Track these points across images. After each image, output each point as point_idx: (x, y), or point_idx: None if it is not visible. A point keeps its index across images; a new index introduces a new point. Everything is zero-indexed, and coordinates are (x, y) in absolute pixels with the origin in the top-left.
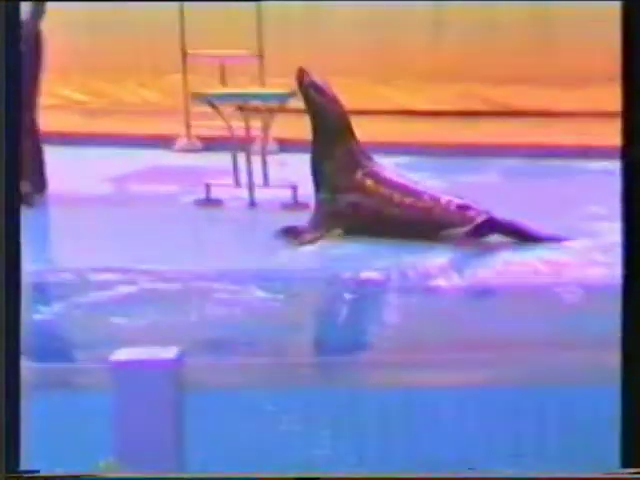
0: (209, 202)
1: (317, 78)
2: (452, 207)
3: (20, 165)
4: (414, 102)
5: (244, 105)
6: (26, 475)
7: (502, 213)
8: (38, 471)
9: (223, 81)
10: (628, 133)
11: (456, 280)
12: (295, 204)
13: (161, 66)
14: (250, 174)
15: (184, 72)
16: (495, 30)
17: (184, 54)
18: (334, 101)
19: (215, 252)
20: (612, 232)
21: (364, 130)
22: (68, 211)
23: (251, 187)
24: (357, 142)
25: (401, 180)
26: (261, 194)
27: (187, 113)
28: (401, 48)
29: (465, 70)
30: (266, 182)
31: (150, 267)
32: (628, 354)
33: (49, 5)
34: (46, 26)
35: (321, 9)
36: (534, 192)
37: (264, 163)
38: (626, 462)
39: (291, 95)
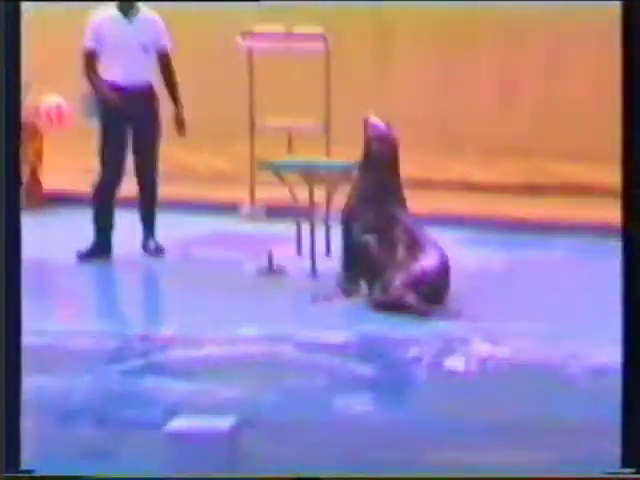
0: (271, 270)
1: (382, 127)
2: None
3: (20, 169)
4: (480, 175)
5: (309, 174)
6: (25, 475)
7: (565, 291)
8: (36, 471)
9: (289, 149)
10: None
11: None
12: None
13: (229, 134)
14: (313, 243)
15: (251, 140)
16: (564, 106)
17: (252, 123)
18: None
19: (276, 319)
20: None
21: (429, 202)
22: (134, 273)
23: (313, 256)
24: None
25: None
26: (323, 263)
27: (252, 180)
28: (468, 120)
29: (533, 145)
30: (328, 251)
31: (211, 333)
32: (629, 354)
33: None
34: None
35: (390, 79)
36: (597, 271)
37: (327, 232)
38: (626, 462)
39: (356, 165)
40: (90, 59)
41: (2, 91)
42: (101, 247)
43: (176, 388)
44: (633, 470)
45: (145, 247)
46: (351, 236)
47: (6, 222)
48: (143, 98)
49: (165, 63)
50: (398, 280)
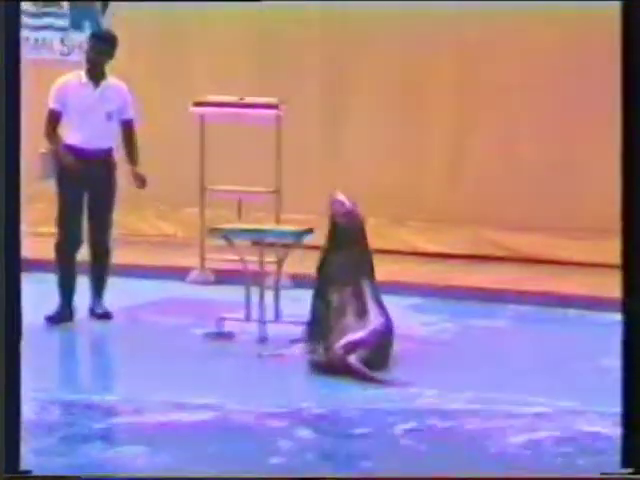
0: (220, 335)
1: (348, 205)
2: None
3: (19, 172)
4: (428, 244)
5: (259, 241)
6: (25, 475)
7: (511, 360)
8: (36, 471)
9: (240, 215)
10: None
11: None
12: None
13: (179, 199)
14: (262, 309)
15: (201, 206)
16: (511, 178)
17: (202, 188)
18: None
19: (223, 385)
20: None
21: (379, 269)
22: (82, 340)
23: (262, 322)
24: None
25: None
26: (272, 329)
27: (202, 246)
28: (417, 190)
29: (479, 215)
30: (278, 317)
31: (158, 398)
32: (629, 353)
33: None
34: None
35: (340, 148)
36: (542, 340)
37: (276, 298)
38: (626, 462)
39: (306, 232)
40: (52, 120)
41: (2, 91)
42: (64, 310)
43: (120, 454)
44: (633, 470)
45: (93, 312)
46: (316, 307)
47: (6, 222)
48: (101, 164)
49: (129, 133)
50: (340, 342)
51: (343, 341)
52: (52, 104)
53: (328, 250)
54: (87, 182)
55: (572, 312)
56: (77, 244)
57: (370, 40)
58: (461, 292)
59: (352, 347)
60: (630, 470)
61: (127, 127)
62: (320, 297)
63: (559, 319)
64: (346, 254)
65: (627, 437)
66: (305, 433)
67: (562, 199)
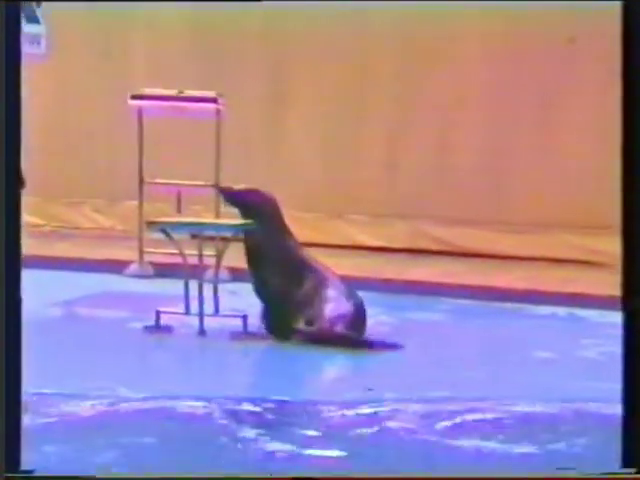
0: (158, 329)
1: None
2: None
3: (20, 171)
4: (366, 238)
5: (197, 234)
6: (25, 475)
7: (448, 351)
8: (36, 471)
9: (179, 209)
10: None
11: None
12: (245, 334)
13: (117, 193)
14: (201, 302)
15: (140, 198)
16: (448, 171)
17: (141, 181)
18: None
19: (160, 379)
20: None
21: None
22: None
23: (201, 315)
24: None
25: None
26: (211, 322)
27: (141, 239)
28: (355, 184)
29: (417, 209)
30: (217, 311)
31: (95, 392)
32: (630, 352)
33: None
34: None
35: (280, 142)
36: (480, 333)
37: (215, 292)
38: (626, 462)
39: (245, 226)
40: None
41: (1, 91)
42: None
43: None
44: (633, 470)
45: None
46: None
47: (6, 224)
48: None
49: None
50: (325, 315)
51: (328, 313)
52: None
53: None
54: None
55: (509, 305)
56: None
57: (311, 32)
58: (398, 286)
59: (337, 319)
60: (630, 470)
61: None
62: (272, 276)
63: (496, 312)
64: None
65: (627, 437)
66: (245, 427)
67: (499, 193)
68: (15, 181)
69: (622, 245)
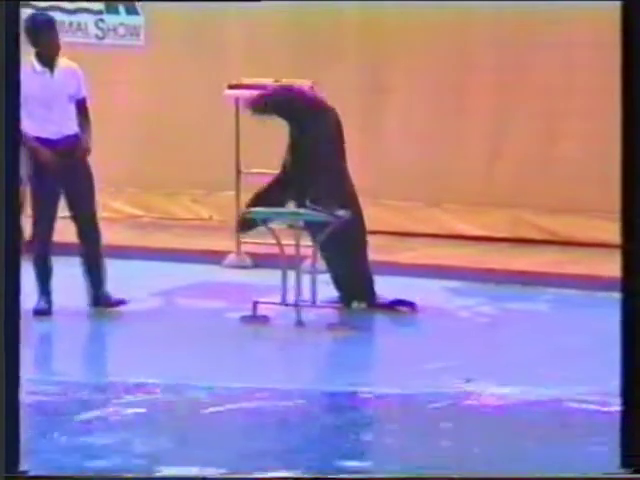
0: (256, 319)
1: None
2: None
3: (18, 174)
4: (466, 227)
5: (295, 223)
6: (25, 475)
7: (553, 344)
8: (37, 471)
9: None
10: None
11: None
12: (342, 324)
13: (214, 183)
14: (298, 293)
15: (237, 188)
16: (550, 160)
17: (238, 172)
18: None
19: (259, 370)
20: None
21: (417, 253)
22: (116, 323)
23: (298, 305)
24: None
25: None
26: (308, 313)
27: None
28: (455, 173)
29: (518, 198)
30: (314, 301)
31: (195, 382)
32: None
33: (96, 117)
34: (99, 139)
35: (377, 130)
36: (585, 324)
37: (313, 282)
38: (626, 462)
39: (343, 215)
40: None
41: (1, 91)
42: (47, 303)
43: (159, 438)
44: (633, 470)
45: (97, 301)
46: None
47: (5, 226)
48: (73, 152)
49: (85, 113)
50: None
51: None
52: None
53: None
54: (63, 175)
55: (614, 295)
56: (51, 241)
57: (410, 22)
58: (500, 275)
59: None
60: (630, 470)
61: (83, 107)
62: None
63: (601, 302)
64: None
65: (627, 436)
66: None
67: (603, 181)
68: (14, 176)
69: None
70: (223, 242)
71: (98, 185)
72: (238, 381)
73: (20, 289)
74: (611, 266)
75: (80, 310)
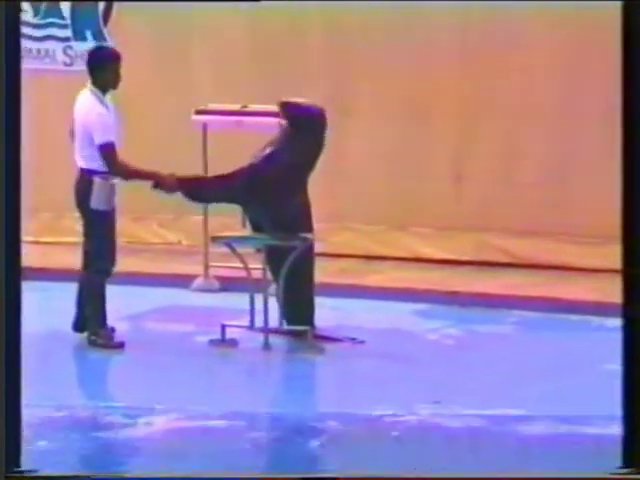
0: (224, 342)
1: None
2: None
3: (19, 177)
4: (431, 250)
5: (262, 248)
6: (26, 475)
7: (517, 365)
8: (37, 471)
9: (243, 223)
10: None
11: None
12: (309, 348)
13: (182, 207)
14: (266, 316)
15: (205, 213)
16: (514, 184)
17: None
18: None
19: (226, 393)
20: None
21: (382, 276)
22: (83, 347)
23: (266, 329)
24: None
25: None
26: (276, 336)
27: (206, 254)
28: (420, 196)
29: (483, 221)
30: (281, 324)
31: (163, 406)
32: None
33: (65, 143)
34: (69, 164)
35: (343, 152)
36: (548, 346)
37: (280, 305)
38: (626, 462)
39: (311, 239)
40: (114, 151)
41: (2, 91)
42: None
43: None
44: (633, 470)
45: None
46: None
47: (5, 228)
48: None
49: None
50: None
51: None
52: (108, 137)
53: None
54: None
55: (576, 318)
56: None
57: (374, 45)
58: (465, 298)
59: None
60: (630, 470)
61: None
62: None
63: (563, 325)
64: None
65: (627, 437)
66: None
67: (566, 204)
68: (15, 189)
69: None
70: (191, 266)
71: (64, 210)
72: (206, 404)
73: (21, 300)
74: (572, 288)
75: (49, 333)
